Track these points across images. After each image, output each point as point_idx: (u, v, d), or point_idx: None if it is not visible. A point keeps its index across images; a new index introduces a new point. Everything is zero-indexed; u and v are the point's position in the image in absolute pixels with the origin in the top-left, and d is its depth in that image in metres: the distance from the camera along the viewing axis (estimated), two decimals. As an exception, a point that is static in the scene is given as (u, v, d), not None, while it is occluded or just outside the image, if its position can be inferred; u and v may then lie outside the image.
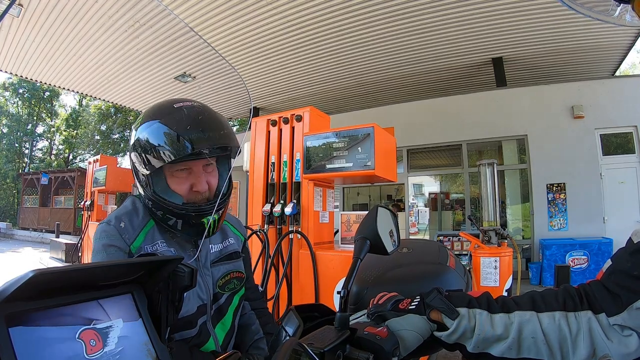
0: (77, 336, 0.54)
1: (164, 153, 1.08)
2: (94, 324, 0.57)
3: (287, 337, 0.71)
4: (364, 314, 0.90)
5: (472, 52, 9.22)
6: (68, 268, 0.54)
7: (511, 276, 4.47)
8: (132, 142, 1.16)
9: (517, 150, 9.26)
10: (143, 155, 1.12)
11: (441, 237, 7.82)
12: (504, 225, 8.19)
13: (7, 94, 30.27)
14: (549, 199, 8.50)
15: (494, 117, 9.00)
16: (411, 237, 9.43)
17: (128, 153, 1.19)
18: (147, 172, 1.13)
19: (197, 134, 1.09)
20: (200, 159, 1.16)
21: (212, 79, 10.88)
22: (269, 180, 3.95)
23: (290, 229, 3.65)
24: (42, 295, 0.53)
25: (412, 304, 0.84)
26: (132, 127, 1.20)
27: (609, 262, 0.76)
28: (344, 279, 0.84)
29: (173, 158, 1.08)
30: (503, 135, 9.15)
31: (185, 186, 1.17)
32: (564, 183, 8.39)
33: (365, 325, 0.80)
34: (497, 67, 9.52)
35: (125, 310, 0.64)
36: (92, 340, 0.55)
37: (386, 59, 9.63)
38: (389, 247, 0.94)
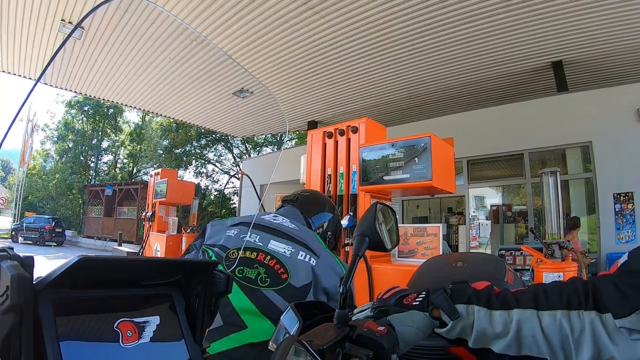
0: (115, 325, 0.58)
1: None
2: (132, 317, 0.60)
3: (287, 335, 0.74)
4: (368, 308, 0.90)
5: (529, 57, 8.85)
6: (112, 257, 0.59)
7: (576, 293, 4.19)
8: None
9: (581, 158, 8.74)
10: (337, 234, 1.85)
11: (503, 252, 7.53)
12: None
13: (73, 111, 32.32)
14: (616, 209, 7.91)
15: (556, 123, 8.53)
16: (472, 250, 9.11)
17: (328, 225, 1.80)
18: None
19: None
20: None
21: (268, 93, 11.07)
22: (326, 193, 3.94)
23: (346, 242, 3.63)
24: (86, 285, 0.57)
25: (417, 299, 0.83)
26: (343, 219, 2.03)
27: (625, 257, 0.70)
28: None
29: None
30: (566, 142, 8.66)
31: None
32: (632, 192, 7.77)
33: (365, 321, 0.80)
34: (557, 71, 9.07)
35: (163, 309, 0.67)
36: (128, 332, 0.59)
37: (441, 69, 9.46)
38: (388, 244, 0.99)
